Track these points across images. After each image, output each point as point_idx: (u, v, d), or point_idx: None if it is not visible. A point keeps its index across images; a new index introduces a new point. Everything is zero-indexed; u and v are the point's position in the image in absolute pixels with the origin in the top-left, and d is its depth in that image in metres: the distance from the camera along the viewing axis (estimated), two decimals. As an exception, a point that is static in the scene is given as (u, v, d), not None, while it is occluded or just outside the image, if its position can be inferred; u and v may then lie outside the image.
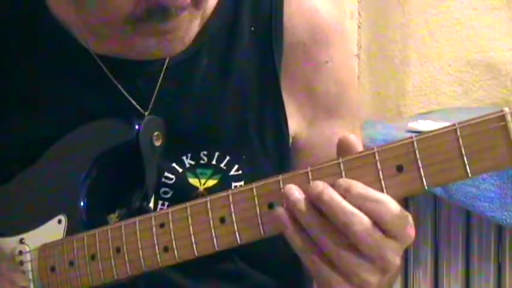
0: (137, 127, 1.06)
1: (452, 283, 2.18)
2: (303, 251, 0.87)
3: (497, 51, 2.56)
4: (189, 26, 0.99)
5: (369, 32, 2.65)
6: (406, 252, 2.21)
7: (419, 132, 2.15)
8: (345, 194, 0.83)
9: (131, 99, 1.10)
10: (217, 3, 1.12)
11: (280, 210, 0.86)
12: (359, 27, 2.66)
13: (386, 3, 2.62)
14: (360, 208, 0.82)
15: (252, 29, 1.13)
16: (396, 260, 0.85)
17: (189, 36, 1.00)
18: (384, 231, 0.83)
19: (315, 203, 0.84)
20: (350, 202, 0.83)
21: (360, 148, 0.87)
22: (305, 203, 0.85)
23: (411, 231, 0.85)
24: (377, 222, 0.82)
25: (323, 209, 0.84)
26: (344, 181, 0.84)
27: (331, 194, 0.83)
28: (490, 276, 2.13)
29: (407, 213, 0.84)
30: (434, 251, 2.20)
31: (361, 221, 0.82)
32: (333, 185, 0.84)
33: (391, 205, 0.83)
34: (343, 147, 0.87)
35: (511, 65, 2.53)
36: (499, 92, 2.58)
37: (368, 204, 0.82)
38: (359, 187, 0.83)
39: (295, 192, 0.85)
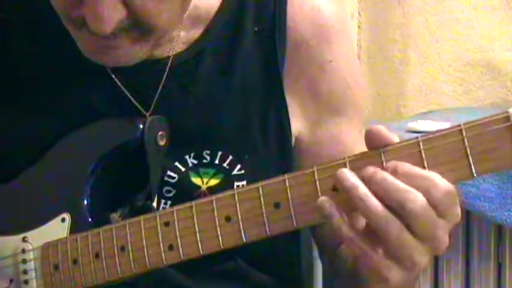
0: (141, 126, 1.07)
1: (452, 283, 2.18)
2: (351, 239, 0.86)
3: (497, 51, 2.56)
4: (132, 50, 1.00)
5: (369, 32, 2.66)
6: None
7: (419, 132, 2.15)
8: (394, 175, 0.82)
9: (132, 98, 1.10)
10: (221, 3, 1.12)
11: (323, 200, 0.86)
12: (359, 27, 2.66)
13: (386, 3, 2.62)
14: (411, 186, 0.82)
15: (256, 29, 1.13)
16: (446, 240, 0.85)
17: (129, 58, 1.02)
18: (435, 209, 0.82)
19: (369, 186, 0.83)
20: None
21: (394, 139, 0.86)
22: (365, 189, 0.84)
23: (458, 210, 0.85)
24: (427, 199, 0.82)
25: (376, 191, 0.83)
26: (391, 163, 0.83)
27: (383, 174, 0.83)
28: (490, 276, 2.13)
29: (455, 190, 0.84)
30: (434, 251, 2.19)
31: (415, 198, 0.81)
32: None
33: (439, 181, 0.82)
34: (374, 138, 0.86)
35: (511, 65, 2.53)
36: (499, 92, 2.58)
37: (417, 181, 0.82)
38: (406, 166, 0.83)
39: (350, 177, 0.85)
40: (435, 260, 2.20)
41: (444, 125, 2.13)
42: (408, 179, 0.82)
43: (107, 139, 1.08)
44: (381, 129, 0.86)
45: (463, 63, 2.59)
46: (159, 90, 1.10)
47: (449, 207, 0.84)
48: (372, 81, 2.64)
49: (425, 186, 0.82)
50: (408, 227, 0.83)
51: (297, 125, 1.15)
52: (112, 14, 0.92)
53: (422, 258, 0.85)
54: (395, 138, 0.86)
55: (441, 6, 2.58)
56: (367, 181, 0.84)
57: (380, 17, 2.64)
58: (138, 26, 0.96)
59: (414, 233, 0.83)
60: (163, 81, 1.10)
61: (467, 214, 2.12)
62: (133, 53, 1.01)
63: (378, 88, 2.65)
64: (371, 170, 0.84)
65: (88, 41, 1.00)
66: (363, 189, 0.84)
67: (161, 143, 1.08)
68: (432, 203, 0.82)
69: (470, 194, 1.95)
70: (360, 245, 0.86)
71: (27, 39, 1.13)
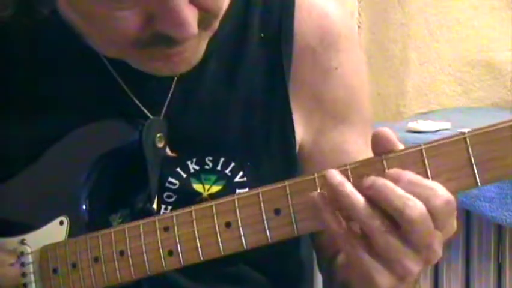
0: (140, 128, 1.06)
1: (452, 283, 2.18)
2: (341, 236, 0.85)
3: (497, 51, 2.56)
4: (197, 47, 0.98)
5: (369, 32, 2.65)
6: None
7: (419, 132, 2.13)
8: (395, 183, 0.81)
9: (140, 104, 1.09)
10: (227, 9, 1.11)
11: (314, 194, 0.85)
12: (359, 27, 2.66)
13: (386, 3, 2.62)
14: (411, 194, 0.81)
15: (262, 35, 1.12)
16: (440, 251, 0.84)
17: (196, 56, 0.99)
18: (434, 219, 0.81)
19: (367, 192, 0.82)
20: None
21: (398, 146, 0.85)
22: (351, 186, 0.83)
23: (455, 221, 0.84)
24: (428, 209, 0.81)
25: (374, 196, 0.82)
26: (394, 171, 0.82)
27: (384, 181, 0.82)
28: (490, 276, 2.13)
29: (454, 201, 0.82)
30: (434, 251, 2.19)
31: (415, 205, 0.80)
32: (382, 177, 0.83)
33: (440, 191, 0.81)
34: (380, 142, 0.85)
35: (511, 65, 2.53)
36: (499, 92, 2.58)
37: (418, 190, 0.80)
38: (408, 174, 0.81)
39: (337, 175, 0.84)
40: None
41: (445, 124, 2.13)
42: (409, 187, 0.81)
43: (105, 141, 1.08)
44: (388, 133, 0.85)
45: (463, 63, 2.59)
46: (169, 96, 1.10)
47: (447, 219, 0.83)
48: (372, 81, 2.64)
49: (426, 195, 0.81)
50: (405, 234, 0.82)
51: (301, 132, 1.14)
52: (192, 15, 0.91)
53: (415, 266, 0.84)
54: (400, 146, 0.85)
55: (441, 6, 2.58)
56: (368, 188, 0.82)
57: (380, 17, 2.64)
58: (205, 19, 0.95)
59: (409, 241, 0.82)
60: (172, 87, 1.10)
61: (467, 214, 2.12)
62: (198, 50, 0.99)
63: (378, 88, 2.65)
64: (371, 178, 0.83)
65: (154, 59, 0.98)
66: (349, 187, 0.83)
67: (160, 145, 1.07)
68: (432, 212, 0.81)
69: (470, 194, 1.95)
70: (350, 242, 0.85)
71: (32, 41, 1.12)
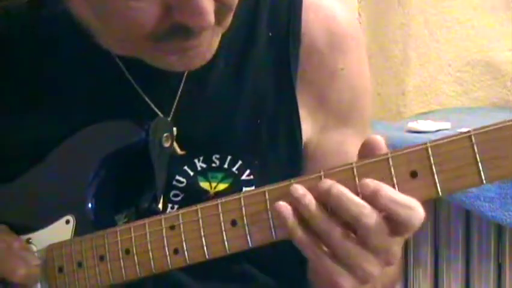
0: (146, 128, 1.06)
1: (452, 283, 2.18)
2: (305, 244, 0.87)
3: (497, 51, 2.56)
4: (211, 42, 0.98)
5: (369, 32, 2.65)
6: (406, 252, 2.22)
7: (419, 132, 2.12)
8: (373, 195, 0.82)
9: (150, 102, 1.09)
10: (236, 8, 1.11)
11: (281, 203, 0.86)
12: (359, 27, 2.65)
13: (386, 3, 2.61)
14: (389, 211, 0.82)
15: (270, 34, 1.13)
16: (399, 253, 0.86)
17: (210, 51, 0.99)
18: (401, 231, 0.83)
19: (324, 198, 0.84)
20: (378, 204, 0.82)
21: (384, 150, 0.86)
22: (310, 198, 0.85)
23: None
24: (403, 226, 0.82)
25: (332, 203, 0.83)
26: (372, 182, 0.83)
27: (340, 188, 0.83)
28: (490, 276, 2.13)
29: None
30: (434, 251, 2.20)
31: (371, 213, 0.82)
32: (358, 185, 0.84)
33: (420, 210, 0.82)
34: (367, 148, 0.86)
35: (511, 65, 2.53)
36: (498, 92, 2.58)
37: (399, 209, 0.82)
38: (388, 190, 0.82)
39: (299, 189, 0.85)
40: (435, 260, 2.21)
41: (445, 124, 2.13)
42: (390, 204, 0.82)
43: (111, 140, 1.08)
44: (381, 143, 0.86)
45: (463, 63, 2.59)
46: (179, 94, 1.10)
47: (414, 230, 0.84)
48: (372, 81, 2.63)
49: (407, 216, 0.82)
50: (361, 239, 0.84)
51: (306, 131, 1.15)
52: (210, 4, 0.91)
53: (375, 269, 0.86)
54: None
55: (441, 6, 2.57)
56: (323, 193, 0.84)
57: (380, 17, 2.63)
58: (220, 10, 0.94)
59: (367, 245, 0.84)
60: (182, 85, 1.10)
61: (467, 214, 2.12)
62: (212, 45, 0.99)
63: (378, 88, 2.64)
64: (328, 182, 0.84)
65: (169, 53, 0.98)
66: (309, 198, 0.85)
67: (166, 144, 1.07)
68: (407, 229, 0.83)
69: (470, 194, 1.95)
70: (313, 249, 0.87)
71: (41, 39, 1.13)
